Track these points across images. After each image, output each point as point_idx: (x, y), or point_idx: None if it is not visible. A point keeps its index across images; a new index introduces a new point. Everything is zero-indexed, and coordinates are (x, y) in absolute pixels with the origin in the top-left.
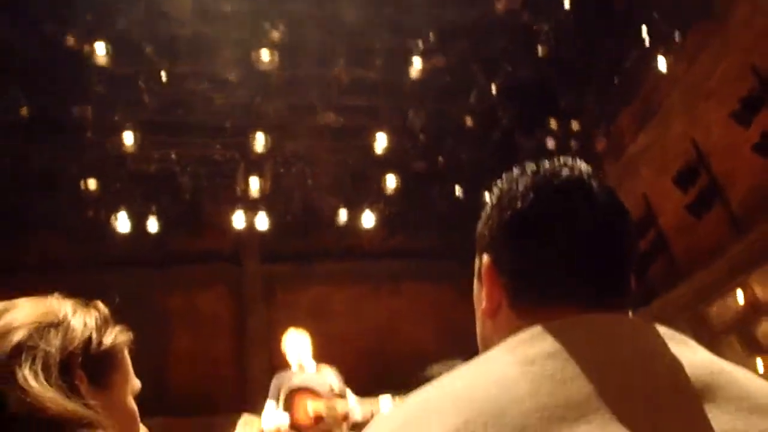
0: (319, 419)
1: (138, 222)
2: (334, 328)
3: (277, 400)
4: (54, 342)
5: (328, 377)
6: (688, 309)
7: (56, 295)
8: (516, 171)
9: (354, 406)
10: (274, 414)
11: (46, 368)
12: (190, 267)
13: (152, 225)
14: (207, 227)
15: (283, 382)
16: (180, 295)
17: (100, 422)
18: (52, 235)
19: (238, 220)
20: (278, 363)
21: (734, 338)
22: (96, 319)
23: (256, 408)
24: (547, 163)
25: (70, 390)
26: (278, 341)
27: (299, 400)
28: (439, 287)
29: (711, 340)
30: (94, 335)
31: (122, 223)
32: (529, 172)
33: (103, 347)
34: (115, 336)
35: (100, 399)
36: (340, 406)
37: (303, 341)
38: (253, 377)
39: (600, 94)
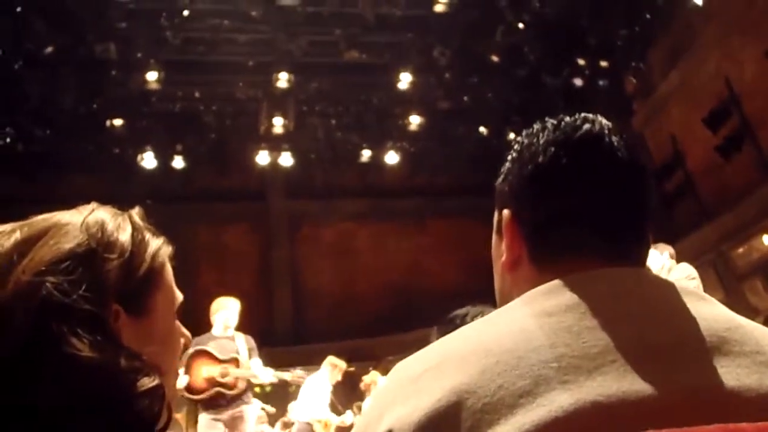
0: (212, 383)
1: (164, 159)
2: (358, 264)
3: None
4: (83, 286)
5: (239, 343)
6: (713, 250)
7: (93, 205)
8: (536, 126)
9: (260, 371)
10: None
11: (79, 322)
12: (215, 204)
13: (178, 162)
14: (232, 165)
15: (196, 344)
16: (206, 232)
17: (142, 368)
18: (80, 173)
19: (263, 157)
20: (303, 297)
21: (758, 281)
22: (133, 237)
23: (280, 338)
24: (567, 118)
25: (107, 340)
26: (303, 276)
27: (196, 364)
28: (463, 224)
29: (734, 283)
30: (131, 261)
31: (148, 160)
32: (549, 126)
33: (140, 273)
34: (155, 252)
35: (140, 328)
36: (234, 372)
37: (232, 307)
38: (279, 310)
39: (631, 30)
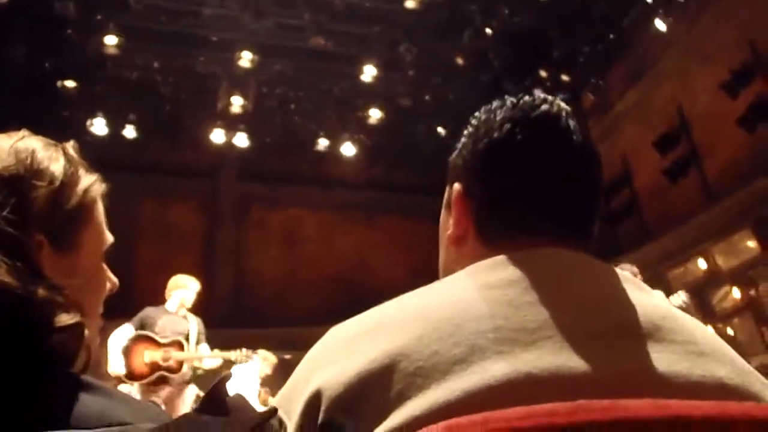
0: (154, 367)
1: (115, 127)
2: (304, 252)
3: (136, 327)
4: (6, 209)
5: (191, 324)
6: (651, 269)
7: (23, 132)
8: (495, 103)
9: (206, 354)
10: (122, 337)
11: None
12: (164, 177)
13: (129, 132)
14: (185, 140)
15: (149, 314)
16: (152, 206)
17: (61, 303)
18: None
19: (217, 135)
20: (245, 281)
21: (691, 303)
22: (65, 168)
23: (219, 321)
24: (527, 97)
25: (28, 268)
26: (247, 260)
27: (137, 349)
28: (414, 223)
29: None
30: (61, 191)
31: (99, 126)
32: (508, 103)
33: (69, 206)
34: (87, 187)
35: (63, 263)
36: (176, 356)
37: (192, 287)
38: (219, 292)
39: (593, 48)
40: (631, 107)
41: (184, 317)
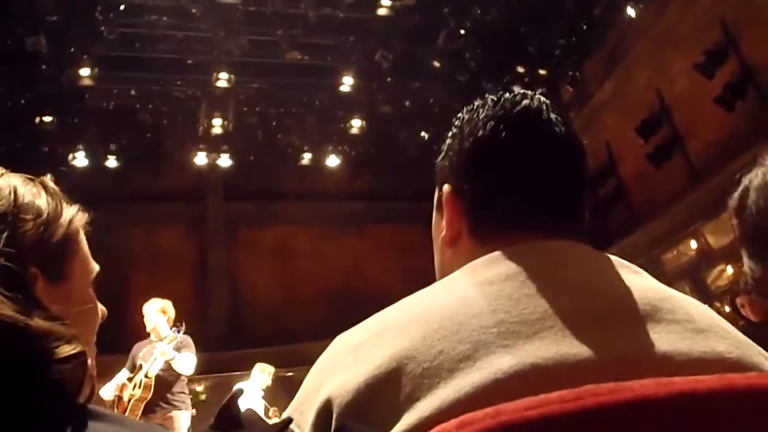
0: (122, 403)
1: (97, 158)
2: (297, 268)
3: (128, 368)
4: (1, 243)
5: (156, 349)
6: (644, 255)
7: (1, 170)
8: (477, 102)
9: (182, 363)
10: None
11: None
12: (151, 204)
13: (111, 162)
14: (168, 165)
15: (134, 351)
16: (141, 234)
17: (64, 333)
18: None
19: (200, 158)
20: (240, 302)
21: (686, 284)
22: (48, 202)
23: (217, 343)
24: (507, 94)
25: (27, 300)
26: (240, 280)
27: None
28: (404, 230)
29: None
30: (48, 224)
31: (80, 159)
32: (489, 102)
33: (57, 237)
34: (71, 219)
35: (57, 294)
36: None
37: (146, 312)
38: (214, 314)
39: (568, 40)
40: (610, 96)
41: (154, 342)
